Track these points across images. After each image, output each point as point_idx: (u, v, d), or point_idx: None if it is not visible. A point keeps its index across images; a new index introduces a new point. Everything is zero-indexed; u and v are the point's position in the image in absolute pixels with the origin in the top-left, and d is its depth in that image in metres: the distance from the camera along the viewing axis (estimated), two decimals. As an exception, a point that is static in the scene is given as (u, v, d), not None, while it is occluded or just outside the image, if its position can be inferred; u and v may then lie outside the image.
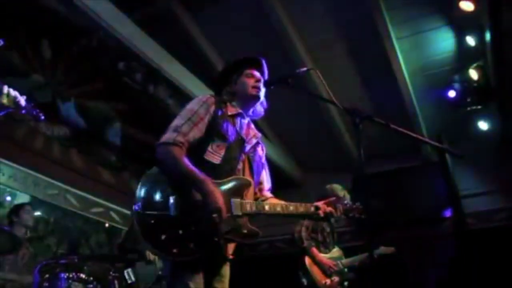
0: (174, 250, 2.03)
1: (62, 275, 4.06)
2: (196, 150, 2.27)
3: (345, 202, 2.65)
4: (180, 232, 2.06)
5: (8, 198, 6.48)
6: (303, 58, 6.02)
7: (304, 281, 4.56)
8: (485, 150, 6.64)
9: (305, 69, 2.49)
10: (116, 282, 4.44)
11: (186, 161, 2.18)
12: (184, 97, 5.83)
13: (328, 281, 4.44)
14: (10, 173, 5.59)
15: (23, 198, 5.92)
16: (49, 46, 6.06)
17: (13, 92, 2.49)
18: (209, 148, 2.28)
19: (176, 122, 2.31)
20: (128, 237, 4.84)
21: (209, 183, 2.13)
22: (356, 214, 2.64)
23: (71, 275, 4.10)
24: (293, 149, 8.17)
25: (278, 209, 2.41)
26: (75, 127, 6.41)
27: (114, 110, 7.05)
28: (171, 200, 2.10)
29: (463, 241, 6.27)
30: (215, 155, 2.28)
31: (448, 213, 6.76)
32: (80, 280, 4.15)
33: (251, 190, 2.38)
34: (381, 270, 2.10)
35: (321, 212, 2.49)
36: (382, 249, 4.82)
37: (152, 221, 2.05)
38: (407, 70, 6.14)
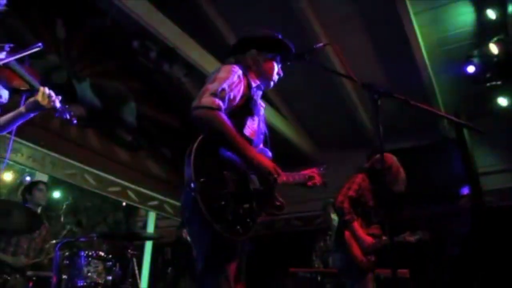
0: (239, 229, 1.98)
1: (82, 252, 4.14)
2: (236, 125, 2.13)
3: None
4: (241, 210, 2.03)
5: (28, 178, 6.59)
6: (318, 34, 5.92)
7: (337, 257, 4.15)
8: (504, 127, 6.48)
9: (322, 44, 2.44)
10: (134, 259, 4.52)
11: (232, 127, 2.07)
12: (199, 76, 5.81)
13: (364, 259, 3.98)
14: (28, 154, 5.65)
15: (42, 178, 6.01)
16: (63, 26, 6.05)
17: (48, 91, 2.43)
18: (248, 122, 2.23)
19: (214, 86, 2.12)
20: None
21: (253, 149, 2.18)
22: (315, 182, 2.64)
23: (90, 253, 4.18)
24: (308, 126, 8.12)
25: (291, 179, 2.49)
26: (91, 107, 6.44)
27: (129, 90, 7.06)
28: (226, 175, 2.03)
29: (480, 219, 6.21)
30: (249, 129, 2.24)
31: (465, 191, 6.70)
32: (99, 257, 4.23)
33: None
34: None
35: (316, 181, 2.58)
36: (407, 236, 4.58)
37: (223, 203, 1.95)
38: (424, 45, 6.01)
